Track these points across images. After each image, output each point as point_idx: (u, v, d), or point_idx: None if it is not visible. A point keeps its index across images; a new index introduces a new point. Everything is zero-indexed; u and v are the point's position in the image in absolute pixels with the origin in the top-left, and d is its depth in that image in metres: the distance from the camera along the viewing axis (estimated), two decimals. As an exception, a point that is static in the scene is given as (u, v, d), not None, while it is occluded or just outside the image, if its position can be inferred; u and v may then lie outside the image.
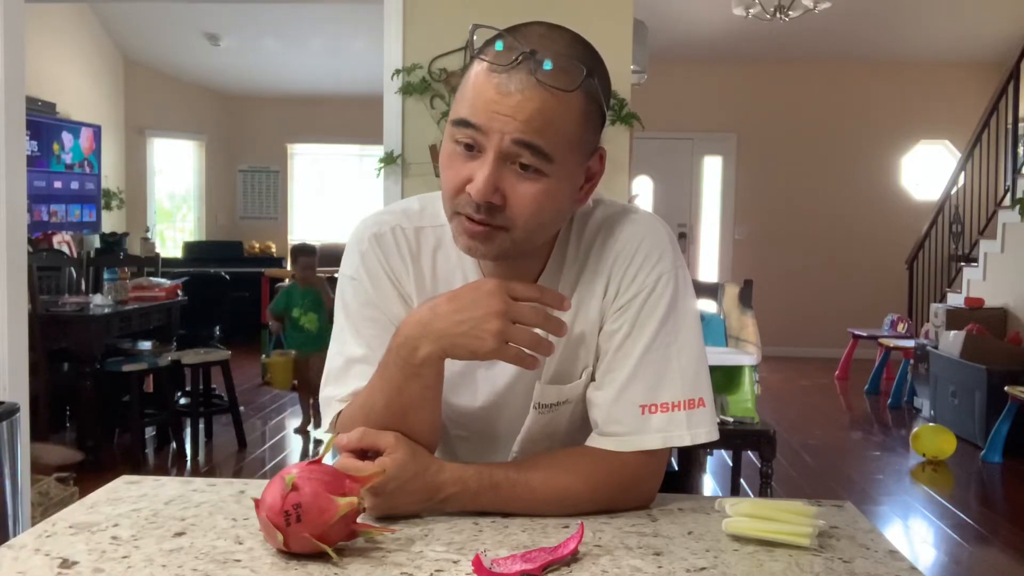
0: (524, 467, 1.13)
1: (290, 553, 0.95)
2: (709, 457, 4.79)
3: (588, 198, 1.13)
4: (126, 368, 4.63)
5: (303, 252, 5.40)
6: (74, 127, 7.74)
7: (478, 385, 1.21)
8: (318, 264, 5.36)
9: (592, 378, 1.18)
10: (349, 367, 1.18)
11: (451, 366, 1.12)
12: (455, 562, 0.95)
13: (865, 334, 7.59)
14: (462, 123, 1.03)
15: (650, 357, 1.12)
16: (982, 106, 7.51)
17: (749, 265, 8.50)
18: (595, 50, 1.09)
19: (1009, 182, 6.88)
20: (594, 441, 1.15)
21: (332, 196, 10.02)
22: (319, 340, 5.04)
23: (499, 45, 1.02)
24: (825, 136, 8.83)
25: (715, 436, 1.13)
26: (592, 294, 1.16)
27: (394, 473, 1.04)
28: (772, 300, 7.41)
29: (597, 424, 1.15)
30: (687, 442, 1.11)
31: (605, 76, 1.08)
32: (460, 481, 1.08)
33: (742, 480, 3.77)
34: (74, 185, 7.69)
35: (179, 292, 5.32)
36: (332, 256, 8.75)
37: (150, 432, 5.04)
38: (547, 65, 1.00)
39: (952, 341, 5.79)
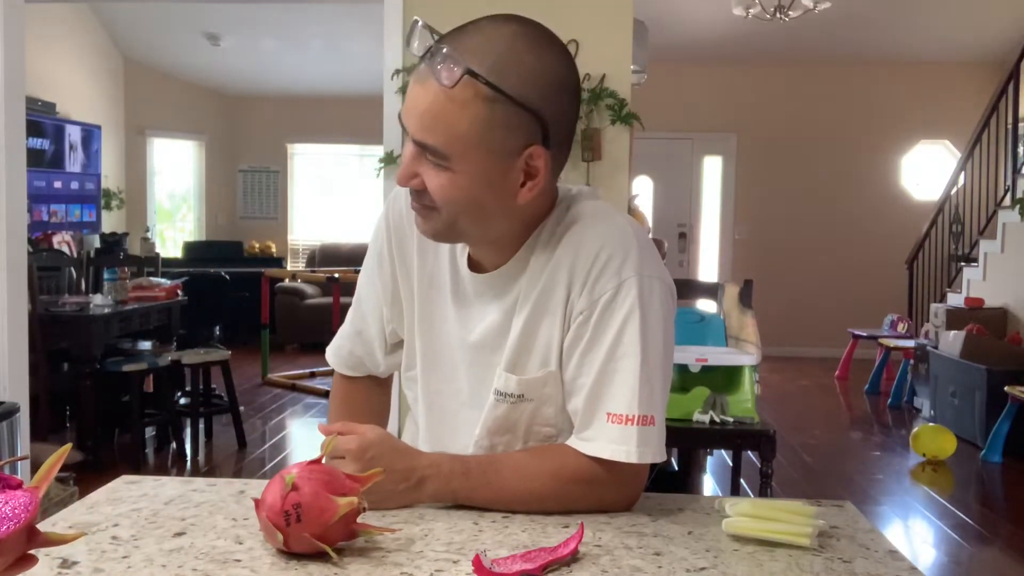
0: (497, 457, 1.17)
1: (290, 553, 0.95)
2: (709, 457, 4.79)
3: (533, 194, 1.10)
4: (126, 368, 4.62)
5: None
6: (74, 127, 7.73)
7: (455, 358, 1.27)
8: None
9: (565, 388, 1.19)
10: (353, 305, 1.39)
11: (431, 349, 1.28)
12: (455, 562, 0.95)
13: (865, 334, 7.59)
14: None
15: (611, 366, 1.12)
16: (982, 106, 7.50)
17: (749, 265, 8.49)
18: (537, 51, 1.05)
19: (1009, 182, 6.88)
20: (569, 440, 1.17)
21: (332, 196, 10.01)
22: None
23: (419, 36, 1.05)
24: (825, 136, 8.83)
25: (661, 458, 1.13)
26: (554, 289, 1.16)
27: (374, 439, 1.10)
28: (772, 300, 7.40)
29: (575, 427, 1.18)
30: (633, 459, 1.11)
31: (530, 78, 1.04)
32: (434, 464, 1.13)
33: (742, 480, 3.77)
34: (74, 185, 7.69)
35: (179, 292, 5.31)
36: (333, 256, 8.81)
37: (150, 432, 5.04)
38: (435, 60, 1.03)
39: (952, 341, 5.79)
